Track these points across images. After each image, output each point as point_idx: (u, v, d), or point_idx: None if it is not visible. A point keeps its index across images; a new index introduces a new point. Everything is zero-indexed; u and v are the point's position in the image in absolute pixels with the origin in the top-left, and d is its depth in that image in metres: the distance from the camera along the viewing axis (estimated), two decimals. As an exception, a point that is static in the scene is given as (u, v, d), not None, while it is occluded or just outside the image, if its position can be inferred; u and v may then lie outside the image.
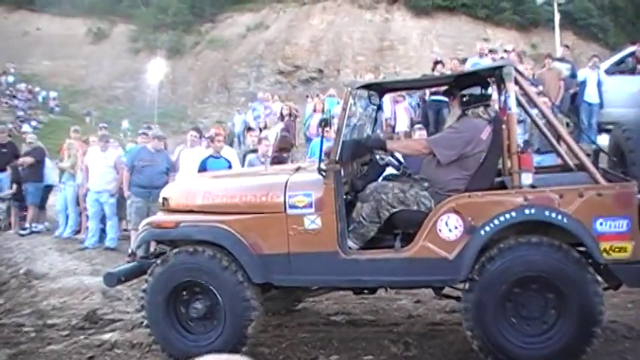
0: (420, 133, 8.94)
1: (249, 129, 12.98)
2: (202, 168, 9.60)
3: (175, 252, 5.57)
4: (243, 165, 10.29)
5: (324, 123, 5.97)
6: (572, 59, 15.32)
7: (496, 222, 4.95)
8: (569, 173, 5.99)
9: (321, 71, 35.29)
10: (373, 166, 5.93)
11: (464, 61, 15.89)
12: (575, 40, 27.37)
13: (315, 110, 15.67)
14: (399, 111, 14.59)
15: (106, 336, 6.55)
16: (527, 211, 4.94)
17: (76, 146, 12.83)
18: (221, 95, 38.96)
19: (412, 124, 13.38)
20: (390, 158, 5.69)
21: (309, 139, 15.26)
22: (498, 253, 4.97)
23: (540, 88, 11.10)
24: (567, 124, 9.18)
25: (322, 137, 5.52)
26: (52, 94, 43.06)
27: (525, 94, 5.83)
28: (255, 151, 10.46)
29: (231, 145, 16.51)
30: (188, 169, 10.30)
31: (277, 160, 9.39)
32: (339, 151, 5.28)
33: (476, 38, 25.68)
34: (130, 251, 9.97)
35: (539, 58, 17.51)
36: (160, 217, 6.03)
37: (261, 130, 17.24)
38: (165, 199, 6.04)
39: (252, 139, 11.15)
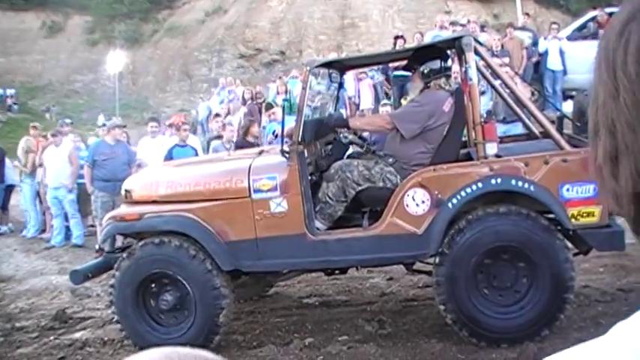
0: (386, 110, 8.92)
1: (216, 115, 12.87)
2: (169, 157, 9.53)
3: (141, 244, 5.54)
4: (207, 152, 10.23)
5: (269, 106, 6.01)
6: (534, 27, 15.41)
7: (463, 194, 4.98)
8: (534, 141, 6.04)
9: (283, 53, 35.10)
10: (337, 145, 5.93)
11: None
12: (536, 8, 27.42)
13: (278, 92, 15.58)
14: (363, 89, 14.56)
15: (77, 335, 6.49)
16: (493, 181, 4.98)
17: (33, 143, 12.65)
18: (183, 83, 38.56)
19: (378, 101, 13.39)
20: (354, 136, 5.68)
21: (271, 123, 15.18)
22: (467, 225, 5.00)
23: (506, 59, 11.16)
24: (532, 93, 9.24)
25: (283, 118, 5.49)
26: (9, 91, 42.35)
27: (487, 64, 5.85)
28: (219, 137, 10.40)
29: (194, 133, 16.39)
30: (152, 159, 10.21)
31: (243, 145, 9.32)
32: (301, 132, 5.27)
33: (438, 11, 25.65)
34: (96, 247, 9.87)
35: (502, 28, 17.55)
36: (124, 209, 5.98)
37: (223, 116, 17.14)
38: (127, 191, 6.00)
39: (217, 124, 11.07)
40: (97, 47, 42.97)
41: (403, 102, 11.22)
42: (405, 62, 6.05)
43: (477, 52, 5.41)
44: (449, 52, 5.72)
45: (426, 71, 5.44)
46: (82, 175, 10.92)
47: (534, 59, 13.19)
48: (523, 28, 14.18)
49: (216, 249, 5.35)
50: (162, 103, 37.69)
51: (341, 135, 5.68)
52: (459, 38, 5.45)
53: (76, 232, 11.36)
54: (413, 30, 19.72)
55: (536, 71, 13.26)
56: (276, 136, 5.91)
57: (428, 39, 13.87)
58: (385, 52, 7.92)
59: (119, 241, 6.92)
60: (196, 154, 9.73)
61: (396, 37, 14.83)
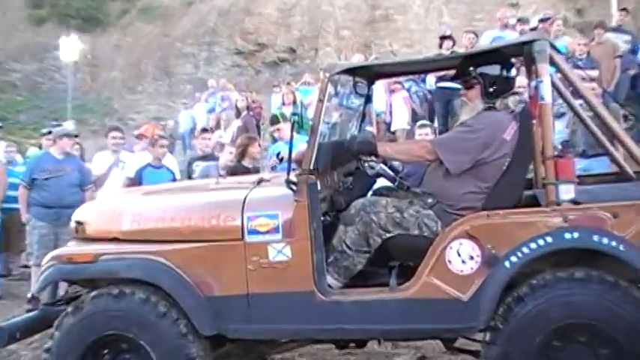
0: (424, 132, 8.96)
1: (204, 130, 12.84)
2: (137, 181, 9.58)
3: (93, 295, 5.55)
4: (188, 176, 10.28)
5: (274, 120, 6.04)
6: (633, 29, 15.23)
7: (525, 250, 4.96)
8: (626, 184, 6.03)
9: (293, 51, 35.19)
10: (360, 177, 5.97)
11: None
12: (638, 2, 27.01)
13: (284, 103, 15.70)
14: (397, 103, 14.64)
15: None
16: (567, 236, 4.96)
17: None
18: (160, 83, 38.69)
19: (415, 121, 13.45)
20: (383, 166, 5.71)
21: (276, 142, 15.23)
22: (530, 292, 4.99)
23: (593, 72, 11.02)
24: (625, 118, 9.25)
25: (291, 139, 5.54)
26: None
27: (565, 78, 5.88)
28: (204, 157, 10.44)
29: (172, 150, 16.46)
30: (113, 182, 10.27)
31: (237, 170, 9.35)
32: (314, 158, 5.32)
33: (500, 4, 25.55)
34: (29, 295, 9.85)
35: (589, 29, 17.34)
36: (73, 247, 6.03)
37: (212, 130, 17.22)
38: (78, 222, 6.04)
39: (205, 142, 11.11)
40: (44, 27, 43.08)
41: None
42: (453, 71, 6.09)
43: (552, 62, 5.42)
44: (513, 60, 5.77)
45: (491, 89, 5.49)
46: (12, 198, 10.94)
47: (632, 72, 13.09)
48: (618, 30, 14.08)
49: (193, 306, 5.37)
50: (131, 107, 37.79)
51: (366, 164, 5.67)
52: (528, 42, 5.44)
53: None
54: (465, 28, 19.78)
55: (634, 87, 13.14)
56: (281, 161, 5.95)
57: (485, 41, 13.99)
58: (432, 57, 7.93)
59: (62, 290, 6.94)
60: (174, 180, 9.77)
61: (443, 37, 14.97)
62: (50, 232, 9.94)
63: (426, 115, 14.07)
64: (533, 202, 5.58)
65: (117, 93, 39.56)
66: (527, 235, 4.99)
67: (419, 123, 9.93)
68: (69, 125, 13.46)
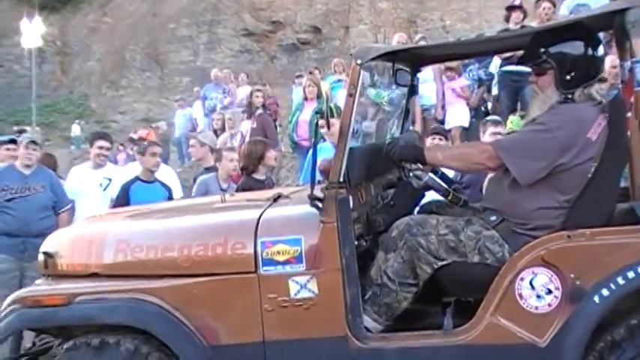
0: (496, 131, 8.87)
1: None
2: (123, 200, 9.59)
3: (68, 347, 5.54)
4: (187, 193, 10.29)
5: (320, 117, 5.97)
6: None
7: (621, 281, 4.92)
8: None
9: (317, 30, 35.18)
10: (404, 190, 5.95)
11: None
12: None
13: (306, 98, 15.69)
14: (451, 96, 14.60)
15: None
16: (677, 263, 4.92)
17: None
18: (149, 75, 38.85)
19: (477, 117, 13.38)
20: (432, 176, 5.69)
21: (298, 147, 15.30)
22: (628, 336, 4.95)
23: None
24: None
25: (315, 142, 5.53)
26: None
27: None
28: (210, 169, 10.44)
29: (166, 160, 16.50)
30: (91, 201, 10.29)
31: (248, 185, 9.33)
32: (344, 167, 5.31)
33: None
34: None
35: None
36: (41, 287, 6.03)
37: (216, 132, 17.25)
38: (49, 255, 6.02)
39: (197, 150, 11.14)
40: (2, 5, 43.33)
41: (515, 120, 11.19)
42: (523, 52, 6.02)
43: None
44: (601, 34, 5.69)
45: (568, 76, 5.40)
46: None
47: None
48: None
49: (195, 357, 5.36)
50: (112, 106, 37.93)
51: (411, 174, 5.64)
52: (620, 11, 5.33)
53: None
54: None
55: None
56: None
57: (564, 11, 13.86)
58: (490, 35, 7.85)
59: (28, 340, 6.92)
60: (169, 197, 9.78)
61: (510, 8, 14.82)
62: (13, 268, 9.77)
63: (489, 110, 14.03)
64: (630, 217, 5.39)
65: (94, 89, 39.62)
66: (622, 261, 4.94)
67: (489, 119, 9.84)
68: (33, 132, 13.40)
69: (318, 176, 5.40)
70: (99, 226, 6.54)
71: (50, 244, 6.17)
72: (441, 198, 5.86)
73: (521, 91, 13.39)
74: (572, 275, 4.98)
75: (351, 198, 5.37)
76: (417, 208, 6.00)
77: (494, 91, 14.66)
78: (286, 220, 5.52)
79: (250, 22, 36.64)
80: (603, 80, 5.54)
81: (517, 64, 6.61)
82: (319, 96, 14.96)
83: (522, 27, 12.14)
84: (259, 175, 9.22)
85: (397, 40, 15.89)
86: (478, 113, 14.28)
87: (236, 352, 5.36)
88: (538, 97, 5.69)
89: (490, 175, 5.64)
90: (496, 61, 14.23)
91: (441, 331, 5.24)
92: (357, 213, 5.53)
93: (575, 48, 5.38)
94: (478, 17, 28.93)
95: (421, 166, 5.56)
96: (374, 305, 5.39)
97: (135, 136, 15.59)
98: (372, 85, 6.19)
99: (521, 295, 5.04)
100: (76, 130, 34.51)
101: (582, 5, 13.46)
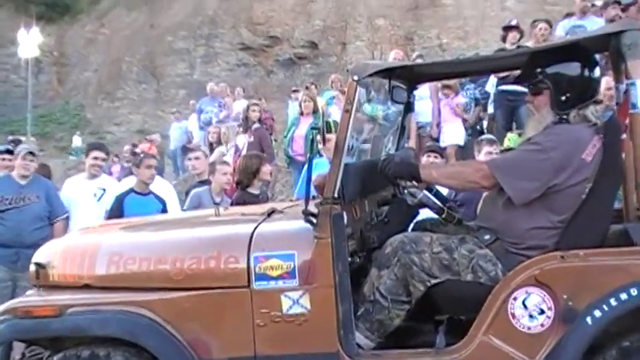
0: (492, 150, 8.94)
1: (189, 149, 12.76)
2: (117, 212, 9.57)
3: (58, 359, 5.53)
4: (182, 206, 10.28)
5: (317, 132, 5.95)
6: None
7: (613, 302, 4.92)
8: None
9: (314, 45, 35.23)
10: (398, 208, 5.94)
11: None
12: None
13: (302, 113, 15.72)
14: (447, 114, 14.63)
15: None
16: (670, 285, 4.93)
17: None
18: (145, 87, 38.87)
19: (473, 135, 13.39)
20: (427, 193, 5.70)
21: (293, 162, 15.33)
22: (620, 357, 4.96)
23: None
24: None
25: (311, 158, 5.53)
26: None
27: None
28: (204, 182, 10.43)
29: (161, 172, 16.49)
30: (83, 213, 10.27)
31: (242, 199, 9.34)
32: (339, 183, 5.30)
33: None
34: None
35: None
36: (32, 297, 6.01)
37: (212, 145, 17.27)
38: (40, 266, 5.99)
39: (194, 163, 11.14)
40: (-1, 15, 43.34)
41: (512, 137, 11.20)
42: (519, 71, 6.04)
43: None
44: (597, 56, 5.71)
45: (563, 97, 5.42)
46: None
47: None
48: None
49: (186, 372, 5.36)
50: (108, 117, 37.96)
51: (405, 191, 5.65)
52: (616, 33, 5.38)
53: None
54: (536, 15, 19.72)
55: None
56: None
57: (560, 32, 13.92)
58: (487, 55, 7.87)
59: (18, 352, 6.90)
60: (164, 210, 9.78)
61: (507, 28, 14.90)
62: (6, 278, 9.78)
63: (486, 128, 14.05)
64: (624, 239, 5.41)
65: (90, 99, 39.58)
66: (615, 282, 4.95)
67: (484, 137, 9.86)
68: (29, 142, 13.36)
69: (313, 191, 5.40)
70: (92, 237, 6.51)
71: (42, 254, 6.14)
72: (435, 216, 5.86)
73: (517, 111, 13.41)
74: (565, 296, 4.98)
75: (345, 214, 5.36)
76: (411, 226, 5.99)
77: (490, 109, 14.71)
78: (280, 235, 5.51)
79: (247, 37, 36.69)
80: (599, 102, 5.54)
81: (514, 83, 6.63)
82: (315, 111, 14.99)
83: (519, 47, 12.16)
84: (254, 190, 9.22)
85: (394, 57, 15.95)
86: (474, 131, 14.30)
87: (228, 367, 5.35)
88: (534, 117, 5.69)
89: (485, 193, 5.62)
90: (492, 80, 14.27)
91: (433, 350, 5.23)
92: (351, 229, 5.54)
93: (572, 69, 5.42)
94: (475, 36, 28.98)
95: (416, 184, 5.58)
96: (366, 322, 5.38)
97: (138, 150, 15.50)
98: (369, 101, 6.19)
99: (513, 315, 5.05)
100: (77, 141, 34.56)
101: (578, 27, 13.52)
